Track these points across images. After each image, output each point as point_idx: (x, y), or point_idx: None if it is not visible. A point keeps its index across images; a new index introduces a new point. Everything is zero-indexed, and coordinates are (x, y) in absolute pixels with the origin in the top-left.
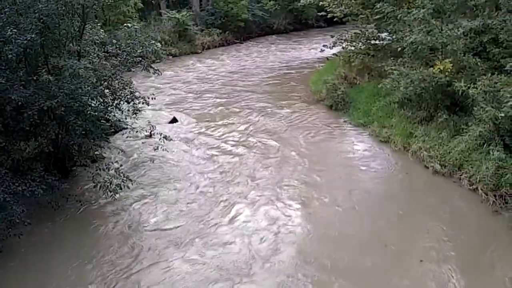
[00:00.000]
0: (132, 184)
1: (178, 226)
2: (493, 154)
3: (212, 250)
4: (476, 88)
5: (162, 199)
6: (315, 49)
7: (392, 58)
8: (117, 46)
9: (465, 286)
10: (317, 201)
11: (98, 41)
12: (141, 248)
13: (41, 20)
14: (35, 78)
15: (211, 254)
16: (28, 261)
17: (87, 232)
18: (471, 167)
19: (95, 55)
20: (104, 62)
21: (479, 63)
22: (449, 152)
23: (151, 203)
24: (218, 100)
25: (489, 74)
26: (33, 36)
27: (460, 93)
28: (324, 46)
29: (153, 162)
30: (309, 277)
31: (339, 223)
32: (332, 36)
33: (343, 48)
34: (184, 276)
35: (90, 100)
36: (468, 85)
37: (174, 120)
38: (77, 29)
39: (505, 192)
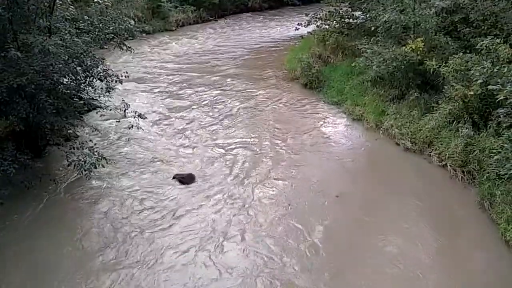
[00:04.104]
0: (107, 162)
1: (151, 207)
2: (462, 132)
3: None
4: (448, 67)
5: (136, 177)
6: (290, 27)
7: (365, 37)
8: (89, 22)
9: (433, 259)
10: (288, 179)
11: (69, 17)
12: (114, 228)
13: None
14: (3, 54)
15: None
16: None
17: (61, 211)
18: (441, 144)
19: (66, 31)
20: (76, 39)
21: (450, 42)
22: (420, 130)
23: (125, 181)
24: (192, 77)
25: (461, 53)
26: (0, 11)
27: (431, 71)
28: (299, 24)
29: (128, 140)
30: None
31: (310, 196)
32: (306, 15)
33: (317, 26)
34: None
35: (61, 77)
36: (439, 64)
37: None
38: (47, 5)
39: (472, 168)
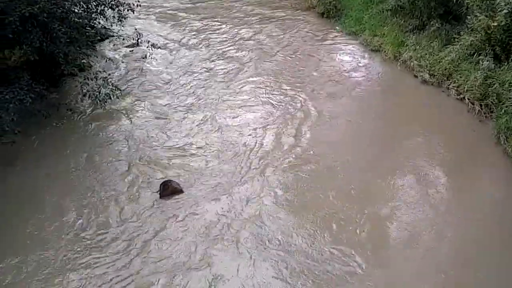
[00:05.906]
0: (121, 93)
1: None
2: (482, 64)
3: None
4: None
5: (151, 107)
6: None
7: None
8: None
9: (447, 193)
10: (302, 111)
11: None
12: (134, 151)
13: None
14: None
15: None
16: (27, 166)
17: (80, 138)
18: (460, 77)
19: None
20: None
21: None
22: (439, 62)
23: (140, 111)
24: (201, 11)
25: None
26: None
27: (454, 0)
28: None
29: (141, 70)
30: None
31: (326, 127)
32: None
33: None
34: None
35: (72, 6)
36: None
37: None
38: None
39: (491, 102)
